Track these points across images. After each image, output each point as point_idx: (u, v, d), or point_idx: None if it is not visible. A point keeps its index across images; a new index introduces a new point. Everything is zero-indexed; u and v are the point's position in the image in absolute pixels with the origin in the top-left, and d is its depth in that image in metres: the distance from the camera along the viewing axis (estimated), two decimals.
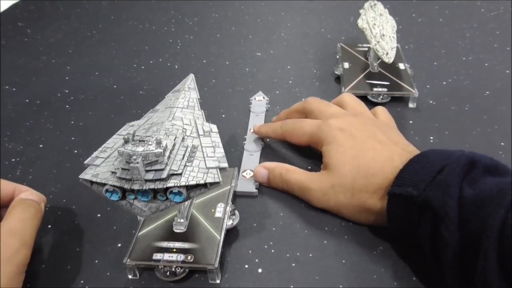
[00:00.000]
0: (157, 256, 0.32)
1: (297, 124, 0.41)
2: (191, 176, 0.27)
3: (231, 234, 0.36)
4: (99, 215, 0.39)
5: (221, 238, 0.33)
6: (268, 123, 0.46)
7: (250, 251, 0.35)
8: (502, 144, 0.44)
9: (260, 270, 0.34)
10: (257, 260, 0.35)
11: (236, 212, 0.37)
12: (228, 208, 0.36)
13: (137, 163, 0.25)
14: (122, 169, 0.26)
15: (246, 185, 0.40)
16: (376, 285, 0.32)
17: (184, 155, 0.28)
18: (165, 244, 0.33)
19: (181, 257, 0.32)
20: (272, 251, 0.35)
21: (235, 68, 0.59)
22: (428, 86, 0.53)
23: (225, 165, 0.28)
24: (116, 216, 0.38)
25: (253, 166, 0.42)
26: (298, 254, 0.35)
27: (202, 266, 0.32)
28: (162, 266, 0.32)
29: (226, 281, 0.33)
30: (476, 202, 0.28)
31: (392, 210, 0.33)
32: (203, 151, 0.29)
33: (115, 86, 0.56)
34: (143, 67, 0.60)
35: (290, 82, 0.56)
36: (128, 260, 0.32)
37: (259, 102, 0.51)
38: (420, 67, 0.57)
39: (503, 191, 0.28)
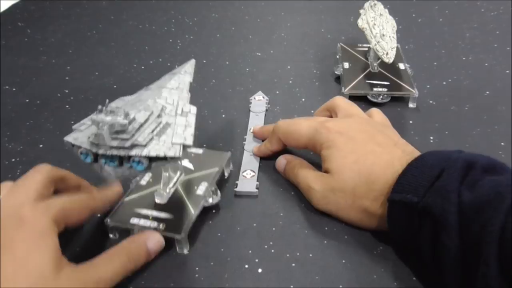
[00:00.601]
0: (134, 220, 0.35)
1: (292, 126, 0.41)
2: (154, 149, 0.29)
3: (231, 234, 0.37)
4: (99, 214, 0.39)
5: (195, 212, 0.35)
6: (264, 142, 0.44)
7: (250, 251, 0.35)
8: (502, 144, 0.44)
9: (260, 270, 0.34)
10: (257, 260, 0.35)
11: (218, 192, 0.38)
12: (211, 188, 0.38)
13: (103, 130, 0.28)
14: (95, 135, 0.29)
15: (246, 185, 0.40)
16: (376, 285, 0.32)
17: (154, 130, 0.31)
18: (144, 211, 0.35)
19: (154, 224, 0.34)
20: (272, 251, 0.35)
21: (235, 68, 0.59)
22: (428, 86, 0.53)
23: (190, 143, 0.31)
24: None
25: (253, 166, 0.42)
26: (298, 254, 0.35)
27: (170, 234, 0.34)
28: (137, 230, 0.34)
29: (226, 281, 0.33)
30: (475, 207, 0.28)
31: (392, 217, 0.33)
32: (174, 129, 0.32)
33: (115, 86, 0.56)
34: (143, 67, 0.60)
35: (290, 82, 0.56)
36: (109, 220, 0.35)
37: (258, 101, 0.51)
38: (420, 67, 0.57)
39: (501, 194, 0.27)
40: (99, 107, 0.30)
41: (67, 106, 0.53)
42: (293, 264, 0.34)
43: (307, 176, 0.38)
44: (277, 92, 0.54)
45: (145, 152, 0.29)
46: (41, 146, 0.47)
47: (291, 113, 0.50)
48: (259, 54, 0.62)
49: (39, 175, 0.32)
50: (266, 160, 0.44)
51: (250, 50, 0.63)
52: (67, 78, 0.58)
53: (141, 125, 0.30)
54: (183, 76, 0.38)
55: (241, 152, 0.44)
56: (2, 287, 0.25)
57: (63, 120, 0.51)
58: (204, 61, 0.60)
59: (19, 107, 0.53)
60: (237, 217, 0.38)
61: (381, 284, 0.33)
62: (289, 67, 0.59)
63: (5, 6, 0.77)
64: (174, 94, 0.35)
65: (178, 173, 0.38)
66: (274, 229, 0.37)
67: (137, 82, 0.57)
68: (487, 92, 0.52)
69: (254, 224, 0.38)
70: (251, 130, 0.47)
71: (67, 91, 0.56)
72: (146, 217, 0.35)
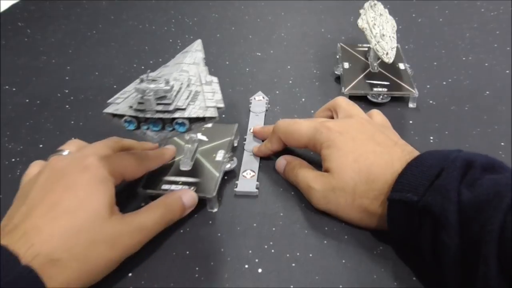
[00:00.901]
0: (165, 186, 0.38)
1: (292, 126, 0.41)
2: (193, 111, 0.33)
3: (231, 234, 0.37)
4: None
5: (219, 175, 0.39)
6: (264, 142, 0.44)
7: (250, 251, 0.35)
8: (502, 144, 0.44)
9: (260, 270, 0.34)
10: (257, 260, 0.35)
11: (234, 158, 0.41)
12: (227, 155, 0.41)
13: (150, 96, 0.31)
14: (138, 103, 0.32)
15: (247, 185, 0.40)
16: (376, 285, 0.32)
17: (188, 96, 0.34)
18: (172, 178, 0.39)
19: (185, 187, 0.38)
20: (272, 251, 0.35)
21: (235, 68, 0.59)
22: (428, 86, 0.53)
23: (222, 105, 0.34)
24: None
25: (253, 166, 0.42)
26: (298, 254, 0.35)
27: (203, 195, 0.37)
28: None
29: (226, 281, 0.33)
30: (474, 207, 0.28)
31: (392, 216, 0.33)
32: (204, 95, 0.35)
33: (115, 86, 0.56)
34: (143, 67, 0.60)
35: (290, 82, 0.56)
36: (141, 189, 0.38)
37: (258, 102, 0.51)
38: (420, 67, 0.57)
39: (500, 193, 0.27)
40: (141, 77, 0.33)
41: (67, 106, 0.53)
42: (293, 264, 0.34)
43: (307, 176, 0.38)
44: (277, 92, 0.54)
45: (186, 114, 0.32)
46: (41, 146, 0.47)
47: (291, 113, 0.50)
48: (259, 54, 0.62)
49: (109, 142, 0.37)
50: (266, 160, 0.44)
51: (250, 50, 0.63)
52: (67, 78, 0.58)
53: (177, 93, 0.34)
54: (195, 53, 0.42)
55: (241, 152, 0.44)
56: (64, 220, 0.29)
57: (63, 120, 0.51)
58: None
59: (19, 107, 0.53)
60: (237, 217, 0.38)
61: (381, 284, 0.33)
62: (289, 67, 0.59)
63: (5, 6, 0.77)
64: (193, 68, 0.39)
65: (196, 144, 0.42)
66: (274, 229, 0.37)
67: None
68: (487, 92, 0.52)
69: (254, 224, 0.38)
70: (251, 130, 0.47)
71: (67, 91, 0.56)
72: (175, 182, 0.39)
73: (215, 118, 0.33)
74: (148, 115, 0.32)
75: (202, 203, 0.38)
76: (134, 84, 0.37)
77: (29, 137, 0.48)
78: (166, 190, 0.38)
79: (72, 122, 0.51)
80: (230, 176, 0.42)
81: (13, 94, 0.55)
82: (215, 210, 0.39)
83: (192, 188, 0.38)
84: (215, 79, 0.38)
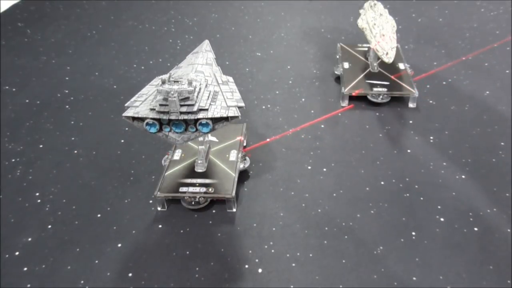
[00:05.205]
0: (183, 189, 0.39)
1: None
2: (216, 111, 0.33)
3: (231, 234, 0.37)
4: (99, 215, 0.39)
5: (236, 175, 0.39)
6: None
7: (250, 251, 0.35)
8: (502, 144, 0.44)
9: (260, 270, 0.34)
10: (257, 260, 0.35)
11: (247, 158, 0.42)
12: (240, 154, 0.42)
13: (174, 97, 0.31)
14: (160, 104, 0.32)
15: None
16: (376, 285, 0.32)
17: (208, 97, 0.34)
18: (189, 180, 0.39)
19: (203, 189, 0.38)
20: (272, 251, 0.35)
21: (235, 68, 0.59)
22: (428, 86, 0.53)
23: (242, 104, 0.34)
24: (116, 216, 0.38)
25: None
26: (298, 254, 0.35)
27: (222, 196, 0.38)
28: (188, 197, 0.38)
29: (226, 282, 0.33)
30: None
31: None
32: (224, 95, 0.35)
33: (115, 86, 0.56)
34: (143, 67, 0.60)
35: (290, 82, 0.56)
36: (158, 193, 0.38)
37: None
38: (420, 67, 0.57)
39: None
40: (161, 78, 0.33)
41: (67, 106, 0.53)
42: (293, 264, 0.34)
43: None
44: (277, 92, 0.54)
45: (210, 114, 0.33)
46: (41, 146, 0.47)
47: (291, 113, 0.50)
48: (259, 54, 0.62)
49: None
50: (266, 161, 0.44)
51: (250, 50, 0.63)
52: (67, 78, 0.58)
53: (198, 93, 0.34)
54: (205, 53, 0.42)
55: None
56: None
57: (63, 120, 0.51)
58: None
59: (19, 107, 0.53)
60: (237, 217, 0.38)
61: (381, 284, 0.33)
62: (289, 67, 0.59)
63: (5, 6, 0.77)
64: (207, 68, 0.39)
65: (208, 145, 0.42)
66: (274, 229, 0.37)
67: (137, 82, 0.57)
68: (487, 92, 0.52)
69: (254, 224, 0.38)
70: None
71: (67, 91, 0.56)
72: (192, 184, 0.39)
73: (238, 118, 0.34)
74: (173, 117, 0.33)
75: (217, 202, 0.38)
76: (150, 86, 0.37)
77: (29, 137, 0.48)
78: (184, 192, 0.38)
79: (72, 122, 0.51)
80: (242, 175, 0.42)
81: (13, 94, 0.55)
82: (234, 210, 0.39)
83: (210, 189, 0.38)
84: (230, 79, 0.39)
